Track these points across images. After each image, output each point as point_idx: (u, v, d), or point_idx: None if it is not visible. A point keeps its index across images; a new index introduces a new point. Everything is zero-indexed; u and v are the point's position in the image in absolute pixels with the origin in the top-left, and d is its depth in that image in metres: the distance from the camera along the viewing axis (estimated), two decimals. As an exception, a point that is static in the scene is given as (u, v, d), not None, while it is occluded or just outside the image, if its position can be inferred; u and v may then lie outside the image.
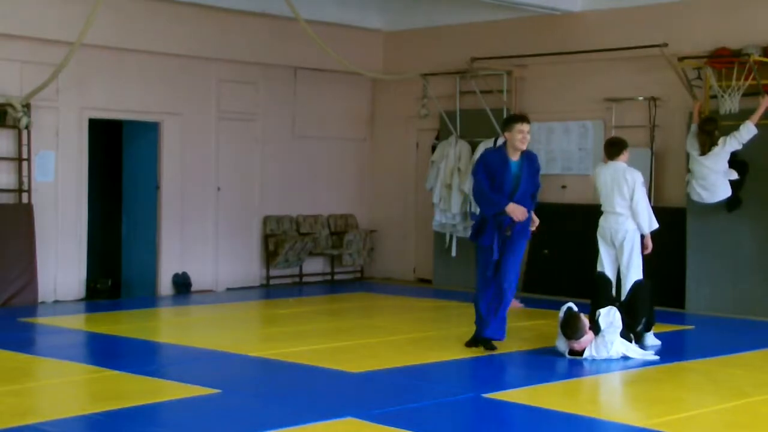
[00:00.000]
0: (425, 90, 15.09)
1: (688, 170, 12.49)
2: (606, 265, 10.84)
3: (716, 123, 12.21)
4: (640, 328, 9.66)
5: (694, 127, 12.44)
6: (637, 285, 9.98)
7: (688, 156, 12.53)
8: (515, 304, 12.90)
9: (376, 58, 16.04)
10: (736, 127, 12.13)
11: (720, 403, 7.77)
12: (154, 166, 13.96)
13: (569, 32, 14.08)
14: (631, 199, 10.35)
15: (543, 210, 14.24)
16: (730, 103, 12.39)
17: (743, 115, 12.31)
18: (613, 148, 10.74)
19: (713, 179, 12.18)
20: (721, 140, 12.10)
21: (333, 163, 15.83)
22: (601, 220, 10.90)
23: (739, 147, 11.98)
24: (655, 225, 10.45)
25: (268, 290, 14.59)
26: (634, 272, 10.50)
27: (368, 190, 16.33)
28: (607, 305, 9.42)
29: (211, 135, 14.41)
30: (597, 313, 9.31)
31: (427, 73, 15.02)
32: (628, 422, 7.00)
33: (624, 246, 10.56)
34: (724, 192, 12.23)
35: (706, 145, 12.20)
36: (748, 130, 11.93)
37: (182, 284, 13.92)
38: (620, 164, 10.60)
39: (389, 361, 9.11)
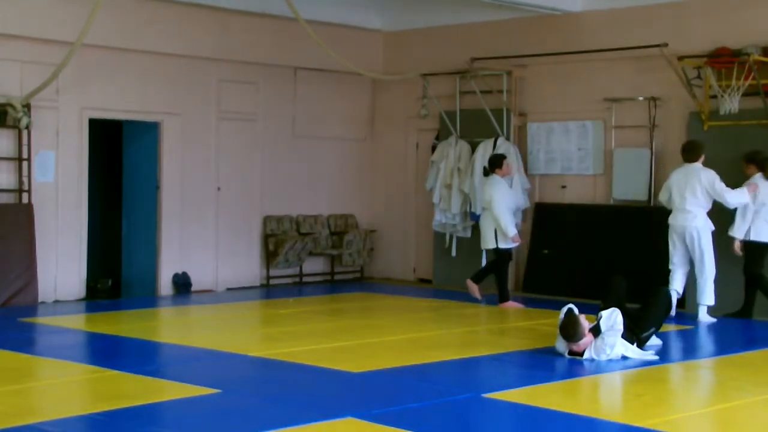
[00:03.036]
0: (425, 90, 15.08)
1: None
2: (675, 262, 11.86)
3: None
4: (645, 334, 9.58)
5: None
6: (657, 293, 9.88)
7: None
8: (514, 305, 12.88)
9: (376, 58, 16.04)
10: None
11: (720, 403, 7.77)
12: (154, 166, 13.97)
13: (569, 32, 14.08)
14: (713, 194, 11.58)
15: (543, 210, 14.33)
16: (730, 103, 12.39)
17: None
18: (692, 154, 11.78)
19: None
20: None
21: (333, 163, 15.83)
22: (671, 219, 11.87)
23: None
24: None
25: (268, 290, 14.59)
26: (708, 267, 11.60)
27: (368, 190, 16.33)
28: (614, 307, 9.35)
29: (211, 135, 14.41)
30: (599, 314, 9.28)
31: (427, 73, 15.01)
32: (628, 422, 6.99)
33: (695, 242, 11.66)
34: None
35: None
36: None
37: (182, 284, 13.92)
38: (696, 165, 11.74)
39: (389, 361, 9.11)
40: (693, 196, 11.64)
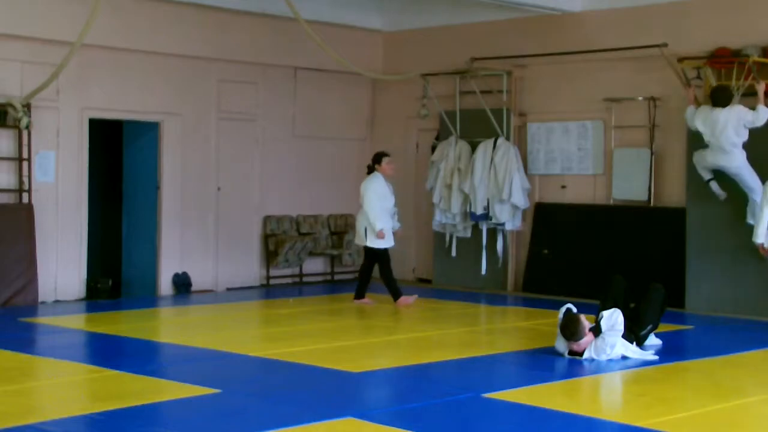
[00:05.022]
0: (425, 90, 15.08)
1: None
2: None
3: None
4: (643, 332, 9.61)
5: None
6: (652, 291, 9.87)
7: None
8: (406, 301, 12.79)
9: (376, 58, 16.04)
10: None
11: (720, 403, 7.76)
12: (154, 166, 13.97)
13: (569, 32, 14.08)
14: (748, 120, 11.83)
15: (543, 210, 14.32)
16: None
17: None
18: (725, 99, 11.95)
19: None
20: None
21: (333, 163, 15.82)
22: (709, 157, 12.09)
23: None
24: None
25: (268, 290, 14.59)
26: (759, 190, 11.62)
27: (368, 190, 16.29)
28: (614, 306, 9.35)
29: (211, 135, 14.41)
30: (600, 314, 9.28)
31: (427, 73, 15.02)
32: (628, 422, 7.00)
33: (740, 179, 11.98)
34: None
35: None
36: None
37: (182, 284, 13.93)
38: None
39: (389, 361, 9.11)
40: (734, 133, 11.79)
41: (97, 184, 14.02)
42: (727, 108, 11.91)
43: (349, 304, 12.84)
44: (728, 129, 11.82)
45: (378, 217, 12.67)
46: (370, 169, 13.06)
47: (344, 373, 8.61)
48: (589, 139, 14.00)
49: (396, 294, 12.86)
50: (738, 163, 11.92)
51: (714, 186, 12.29)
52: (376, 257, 12.92)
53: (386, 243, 12.85)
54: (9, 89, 12.49)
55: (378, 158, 13.02)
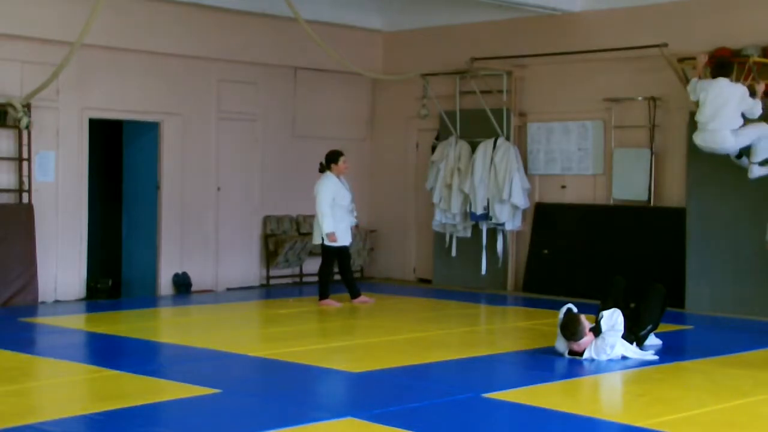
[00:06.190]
0: (425, 90, 15.09)
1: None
2: None
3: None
4: (643, 332, 9.61)
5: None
6: (652, 291, 9.87)
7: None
8: (330, 303, 12.77)
9: (376, 58, 16.04)
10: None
11: (720, 403, 7.76)
12: (154, 166, 13.97)
13: (569, 32, 14.08)
14: (745, 106, 11.53)
15: (543, 210, 14.32)
16: (730, 103, 12.35)
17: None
18: (725, 69, 11.71)
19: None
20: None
21: (333, 163, 15.81)
22: (698, 139, 11.75)
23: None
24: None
25: (268, 290, 14.59)
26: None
27: (368, 190, 16.32)
28: (614, 307, 9.35)
29: (211, 135, 14.41)
30: (600, 314, 9.28)
31: (427, 73, 15.02)
32: (628, 422, 7.00)
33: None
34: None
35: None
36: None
37: (182, 284, 13.93)
38: (725, 80, 11.59)
39: (389, 361, 9.11)
40: (735, 111, 11.42)
41: (97, 184, 14.03)
42: (732, 83, 11.57)
43: (349, 304, 12.85)
44: (731, 104, 11.42)
45: (327, 219, 12.47)
46: (323, 168, 12.80)
47: (344, 373, 8.61)
48: (589, 139, 14.00)
49: (323, 294, 12.79)
50: (728, 145, 11.57)
51: (745, 161, 11.96)
52: (330, 253, 12.75)
53: (343, 241, 12.75)
54: (9, 89, 12.49)
55: (335, 158, 12.71)
